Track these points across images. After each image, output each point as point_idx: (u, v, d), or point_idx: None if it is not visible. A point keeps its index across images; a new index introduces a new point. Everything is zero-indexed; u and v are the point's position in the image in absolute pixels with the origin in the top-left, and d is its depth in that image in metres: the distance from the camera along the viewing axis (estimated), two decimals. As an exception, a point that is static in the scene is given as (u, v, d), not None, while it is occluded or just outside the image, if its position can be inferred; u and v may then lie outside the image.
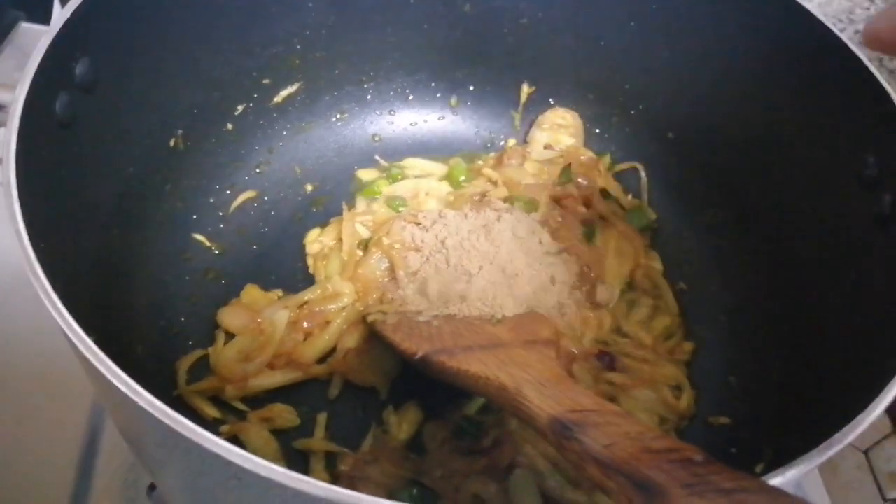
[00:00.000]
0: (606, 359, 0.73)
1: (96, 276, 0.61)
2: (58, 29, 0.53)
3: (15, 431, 0.76)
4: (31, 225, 0.45)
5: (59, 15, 0.54)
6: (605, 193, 0.83)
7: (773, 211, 0.75)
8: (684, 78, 0.78)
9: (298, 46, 0.79)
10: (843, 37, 0.65)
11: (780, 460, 0.43)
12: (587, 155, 0.85)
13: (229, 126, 0.78)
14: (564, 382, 0.50)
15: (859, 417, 0.45)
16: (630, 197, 0.85)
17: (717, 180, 0.81)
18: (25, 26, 0.57)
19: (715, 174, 0.81)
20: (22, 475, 0.74)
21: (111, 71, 0.60)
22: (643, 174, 0.86)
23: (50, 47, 0.52)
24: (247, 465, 0.37)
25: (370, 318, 0.70)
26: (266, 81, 0.79)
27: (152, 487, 0.70)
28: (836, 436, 0.44)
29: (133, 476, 0.72)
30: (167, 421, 0.39)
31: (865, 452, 0.87)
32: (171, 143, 0.72)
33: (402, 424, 0.68)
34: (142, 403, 0.40)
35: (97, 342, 0.42)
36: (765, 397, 0.71)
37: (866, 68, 0.63)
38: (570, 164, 0.83)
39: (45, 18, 0.60)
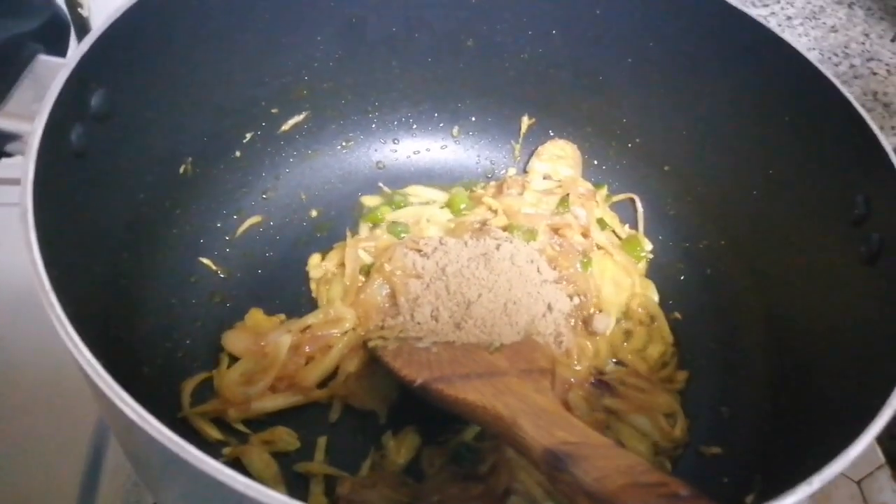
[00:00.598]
0: (602, 386, 0.74)
1: (106, 298, 0.63)
2: (75, 62, 0.55)
3: (19, 448, 0.77)
4: (45, 252, 0.47)
5: (77, 49, 0.56)
6: (601, 224, 0.85)
7: (765, 244, 0.77)
8: (680, 113, 0.80)
9: (306, 77, 0.81)
10: (831, 75, 0.67)
11: (771, 490, 0.44)
12: (585, 186, 0.87)
13: (237, 153, 0.81)
14: (559, 413, 0.51)
15: (849, 449, 0.46)
16: (626, 227, 0.87)
17: (712, 212, 0.83)
18: (43, 59, 0.59)
19: (709, 206, 0.83)
20: (25, 492, 0.75)
21: (125, 101, 0.62)
22: (639, 205, 0.88)
23: (67, 80, 0.54)
24: (250, 493, 0.39)
25: (371, 344, 0.71)
26: (274, 110, 0.81)
27: (154, 507, 0.71)
28: (826, 468, 0.45)
29: (136, 496, 0.74)
30: (174, 448, 0.41)
31: (858, 483, 0.88)
32: (181, 169, 0.74)
33: (400, 449, 0.69)
34: (149, 430, 0.41)
35: (106, 365, 0.44)
36: (756, 427, 0.73)
37: (855, 109, 0.65)
38: (568, 195, 0.85)
39: (62, 51, 0.62)
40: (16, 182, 0.69)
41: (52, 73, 0.55)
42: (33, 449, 0.78)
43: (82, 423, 0.80)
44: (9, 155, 0.58)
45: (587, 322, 0.78)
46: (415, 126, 0.91)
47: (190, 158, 0.74)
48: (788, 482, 0.44)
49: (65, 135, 0.55)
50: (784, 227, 0.74)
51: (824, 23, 1.34)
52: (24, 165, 0.49)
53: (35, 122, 0.51)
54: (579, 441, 0.45)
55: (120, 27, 0.59)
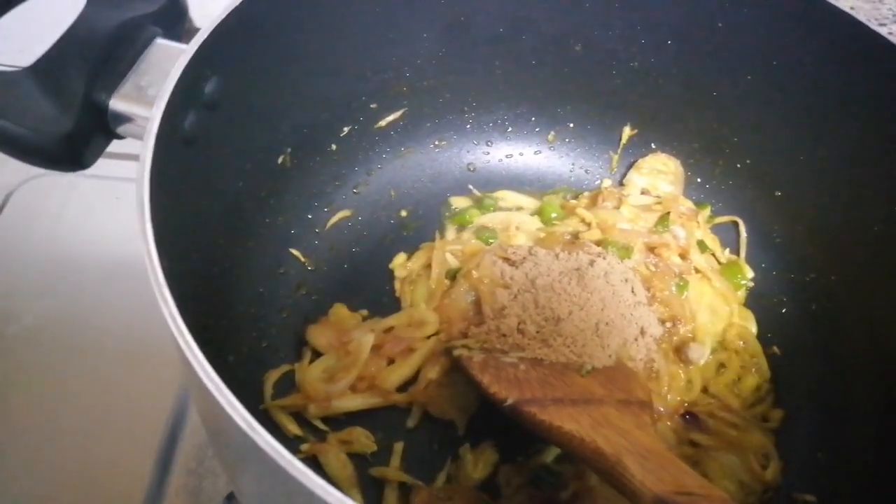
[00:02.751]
0: (692, 419, 0.71)
1: (200, 287, 0.63)
2: (194, 49, 0.55)
3: (100, 420, 0.79)
4: (157, 242, 0.46)
5: (196, 36, 0.56)
6: (701, 246, 0.81)
7: (882, 284, 0.72)
8: (800, 137, 0.75)
9: (408, 74, 0.79)
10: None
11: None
12: (686, 205, 0.83)
13: (333, 147, 0.80)
14: (667, 456, 0.48)
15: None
16: (727, 252, 0.83)
17: (824, 244, 0.78)
18: (161, 43, 0.59)
19: (821, 238, 0.78)
20: (102, 462, 0.77)
21: (235, 90, 0.61)
22: (743, 230, 0.83)
23: (186, 67, 0.54)
24: (330, 500, 0.37)
25: (456, 353, 0.69)
26: (373, 106, 0.80)
27: (230, 498, 0.71)
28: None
29: (210, 482, 0.74)
30: (265, 447, 0.40)
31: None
32: (280, 159, 0.74)
33: (477, 464, 0.68)
34: (249, 432, 0.40)
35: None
36: (856, 479, 0.68)
37: None
38: (668, 213, 0.81)
39: (176, 36, 0.62)
40: (117, 157, 0.70)
41: (170, 59, 0.55)
42: (114, 415, 0.79)
43: (163, 394, 0.81)
44: (120, 137, 0.59)
45: (680, 350, 0.74)
46: (510, 129, 0.89)
47: (289, 149, 0.74)
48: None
49: (179, 122, 0.54)
50: (906, 269, 0.69)
51: (948, 45, 1.25)
52: (141, 153, 0.49)
53: (154, 108, 0.51)
54: (695, 493, 0.42)
55: (237, 16, 0.58)
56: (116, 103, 0.56)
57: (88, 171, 0.83)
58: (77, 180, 1.00)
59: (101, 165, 0.88)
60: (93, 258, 0.94)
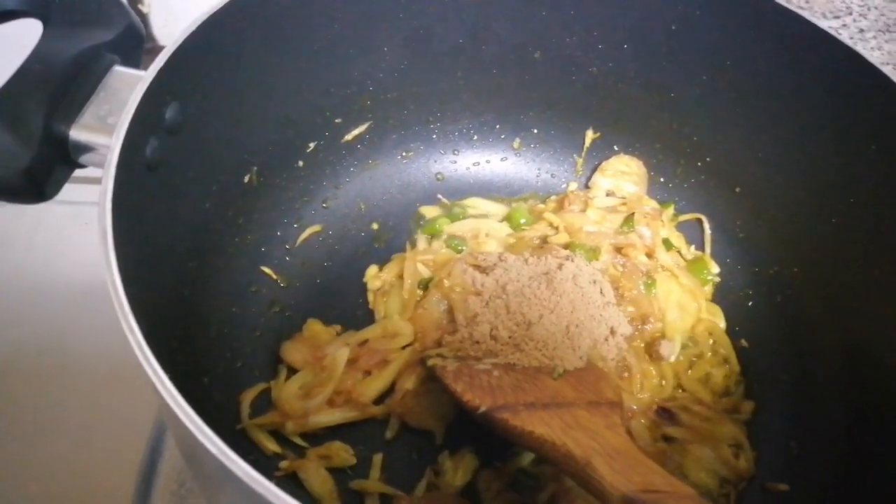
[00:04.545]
0: (665, 415, 0.72)
1: (171, 310, 0.63)
2: (153, 76, 0.55)
3: (79, 439, 0.79)
4: (121, 271, 0.47)
5: (154, 62, 0.56)
6: (667, 244, 0.82)
7: (842, 273, 0.74)
8: (756, 134, 0.77)
9: (371, 87, 0.80)
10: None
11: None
12: (651, 204, 0.84)
13: (300, 163, 0.80)
14: (635, 456, 0.49)
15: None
16: (693, 249, 0.85)
17: (785, 237, 0.79)
18: (119, 70, 0.59)
19: (782, 231, 0.79)
20: (83, 489, 0.76)
21: (196, 113, 0.62)
22: (707, 227, 0.85)
23: (145, 94, 0.54)
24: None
25: (430, 363, 0.70)
26: (338, 120, 0.81)
27: (211, 518, 0.72)
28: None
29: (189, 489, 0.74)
30: (241, 475, 0.40)
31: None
32: (246, 178, 0.74)
33: (457, 471, 0.68)
34: (220, 457, 0.41)
35: (173, 381, 0.43)
36: (828, 466, 0.70)
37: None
38: (633, 213, 0.82)
39: (135, 62, 0.62)
40: (85, 181, 0.70)
41: (129, 86, 0.55)
42: (93, 440, 0.79)
43: (141, 417, 0.81)
44: (82, 166, 0.59)
45: (651, 347, 0.76)
46: (475, 137, 0.90)
47: (255, 167, 0.74)
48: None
49: (140, 149, 0.55)
50: (865, 258, 0.70)
51: (901, 35, 1.28)
52: (102, 183, 0.49)
53: (114, 138, 0.51)
54: (662, 490, 0.43)
55: (195, 40, 0.58)
56: (77, 133, 0.56)
57: (57, 197, 0.83)
58: (46, 206, 0.98)
59: (70, 190, 0.88)
60: (65, 284, 0.93)
